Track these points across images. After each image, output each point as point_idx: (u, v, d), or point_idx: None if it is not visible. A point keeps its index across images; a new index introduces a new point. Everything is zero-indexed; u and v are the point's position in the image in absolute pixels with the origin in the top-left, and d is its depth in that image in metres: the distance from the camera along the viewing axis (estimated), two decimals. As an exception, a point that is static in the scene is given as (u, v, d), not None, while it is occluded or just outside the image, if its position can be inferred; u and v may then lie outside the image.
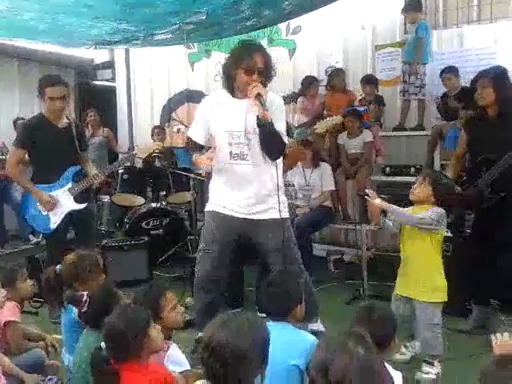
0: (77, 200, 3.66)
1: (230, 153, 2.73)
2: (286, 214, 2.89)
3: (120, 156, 7.23)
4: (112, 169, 4.01)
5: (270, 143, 2.65)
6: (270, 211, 2.81)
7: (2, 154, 5.20)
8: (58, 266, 2.57)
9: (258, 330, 1.55)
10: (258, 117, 2.58)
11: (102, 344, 1.81)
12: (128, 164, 4.38)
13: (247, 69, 2.62)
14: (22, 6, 3.40)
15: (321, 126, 3.82)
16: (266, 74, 2.69)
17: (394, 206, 2.77)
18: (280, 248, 2.83)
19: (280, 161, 2.85)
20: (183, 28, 4.05)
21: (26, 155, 3.69)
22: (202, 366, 1.51)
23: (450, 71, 4.69)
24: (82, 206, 3.69)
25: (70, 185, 3.64)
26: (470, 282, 3.36)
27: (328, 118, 3.90)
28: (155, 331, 1.90)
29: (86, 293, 2.28)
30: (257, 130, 2.68)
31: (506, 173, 3.03)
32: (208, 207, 2.96)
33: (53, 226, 3.62)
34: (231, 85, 2.75)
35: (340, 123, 4.12)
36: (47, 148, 3.56)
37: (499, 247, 3.15)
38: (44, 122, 3.63)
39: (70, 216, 3.67)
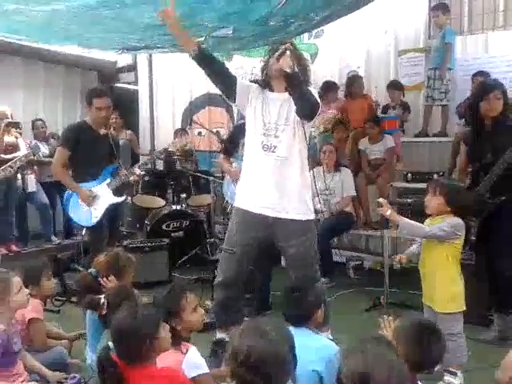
0: (115, 194, 3.86)
1: (262, 142, 2.76)
2: (311, 216, 2.88)
3: (141, 159, 7.34)
4: (146, 163, 4.22)
5: (302, 97, 2.64)
6: (295, 211, 2.79)
7: (34, 155, 5.27)
8: (92, 270, 2.63)
9: (289, 336, 1.57)
10: (287, 73, 2.60)
11: (110, 344, 1.79)
12: (161, 157, 4.49)
13: (277, 57, 2.67)
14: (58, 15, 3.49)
15: (315, 124, 3.92)
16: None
17: (403, 219, 2.74)
18: (300, 252, 2.81)
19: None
20: (208, 40, 4.11)
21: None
22: (232, 377, 1.49)
23: (482, 74, 4.63)
24: (121, 199, 3.94)
25: (108, 180, 3.86)
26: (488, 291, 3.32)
27: (323, 116, 4.00)
28: (165, 331, 1.89)
29: (102, 296, 2.31)
30: (288, 120, 2.73)
31: (505, 176, 3.07)
32: (234, 203, 2.98)
33: (94, 219, 3.79)
34: (268, 81, 2.81)
35: (333, 119, 4.19)
36: (88, 150, 3.78)
37: (502, 252, 3.15)
38: (86, 126, 3.89)
39: (108, 212, 3.84)
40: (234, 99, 2.80)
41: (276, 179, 2.75)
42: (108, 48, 5.11)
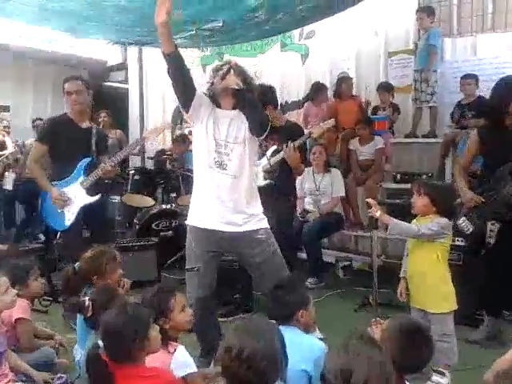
0: (89, 193, 3.64)
1: (214, 159, 2.71)
2: (265, 224, 2.82)
3: (131, 158, 7.30)
4: (120, 157, 3.82)
5: (253, 112, 2.63)
6: (250, 223, 2.75)
7: (22, 153, 5.22)
8: (77, 264, 2.60)
9: (280, 334, 1.58)
10: (234, 90, 2.59)
11: (100, 342, 1.78)
12: (136, 151, 4.14)
13: (222, 76, 2.63)
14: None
15: (316, 131, 3.91)
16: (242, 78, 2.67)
17: (393, 219, 2.74)
18: (266, 259, 2.77)
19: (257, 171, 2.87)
20: (199, 34, 4.07)
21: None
22: (223, 375, 1.49)
23: (470, 77, 4.70)
24: (94, 198, 3.65)
25: (81, 178, 3.64)
26: (482, 293, 3.33)
27: (322, 123, 3.99)
28: (154, 332, 1.88)
29: (87, 298, 2.28)
30: (237, 139, 2.69)
31: None
32: (187, 221, 2.92)
33: (67, 222, 3.62)
34: (215, 98, 2.75)
35: (332, 127, 4.21)
36: (66, 145, 3.60)
37: None
38: (66, 119, 3.71)
39: (84, 212, 3.65)
40: (188, 110, 2.72)
41: (227, 196, 2.71)
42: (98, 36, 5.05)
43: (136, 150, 4.06)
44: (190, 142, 5.89)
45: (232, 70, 2.59)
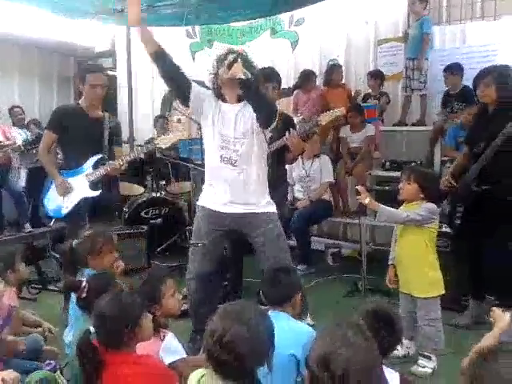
0: (91, 187, 3.61)
1: (221, 156, 2.73)
2: (273, 208, 2.87)
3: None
4: (130, 157, 3.72)
5: (261, 103, 2.60)
6: (259, 206, 2.81)
7: (24, 148, 5.10)
8: (75, 241, 2.60)
9: (268, 321, 1.57)
10: (241, 79, 2.52)
11: (91, 328, 1.78)
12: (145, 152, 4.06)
13: (228, 65, 2.57)
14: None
15: (325, 118, 3.87)
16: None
17: (382, 206, 2.77)
18: (269, 240, 2.81)
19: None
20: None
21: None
22: (207, 358, 1.49)
23: (453, 68, 4.67)
24: (95, 193, 3.60)
25: (88, 171, 3.61)
26: (467, 277, 3.38)
27: (332, 111, 3.95)
28: (147, 320, 1.89)
29: (84, 279, 2.28)
30: (245, 134, 2.68)
31: (492, 164, 3.06)
32: (198, 201, 2.96)
33: (64, 211, 3.60)
34: (219, 90, 2.73)
35: (343, 115, 4.17)
36: (76, 135, 3.55)
37: (486, 241, 3.17)
38: (77, 109, 3.66)
39: (90, 205, 3.61)
40: (187, 104, 2.72)
41: (237, 186, 2.75)
42: (81, 14, 4.96)
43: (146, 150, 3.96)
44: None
45: (239, 59, 2.53)
